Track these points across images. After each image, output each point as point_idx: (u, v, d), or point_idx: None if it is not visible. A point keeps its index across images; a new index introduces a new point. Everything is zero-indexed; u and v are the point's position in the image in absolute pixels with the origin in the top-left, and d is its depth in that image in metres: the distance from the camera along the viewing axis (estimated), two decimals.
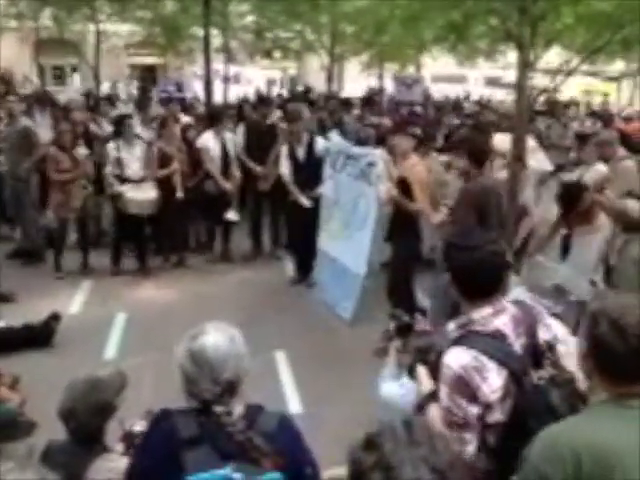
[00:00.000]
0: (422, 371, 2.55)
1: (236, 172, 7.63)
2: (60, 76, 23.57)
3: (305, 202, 6.76)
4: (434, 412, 2.29)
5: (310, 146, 6.88)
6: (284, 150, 6.98)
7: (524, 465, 1.65)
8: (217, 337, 1.96)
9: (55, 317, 5.52)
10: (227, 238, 7.85)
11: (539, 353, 2.22)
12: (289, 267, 7.34)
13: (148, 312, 6.19)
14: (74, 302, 6.46)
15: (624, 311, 1.66)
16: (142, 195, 6.99)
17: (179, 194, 7.37)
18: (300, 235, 6.97)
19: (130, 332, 5.78)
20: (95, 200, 7.58)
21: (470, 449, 2.16)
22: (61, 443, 2.64)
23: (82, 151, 7.08)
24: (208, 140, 7.47)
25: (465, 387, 2.10)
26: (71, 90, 15.27)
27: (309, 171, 6.78)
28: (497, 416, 2.15)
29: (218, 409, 1.89)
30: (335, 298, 6.28)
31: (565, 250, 6.61)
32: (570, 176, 6.25)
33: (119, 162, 7.01)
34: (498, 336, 2.17)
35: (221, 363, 1.92)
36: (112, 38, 16.08)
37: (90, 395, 2.58)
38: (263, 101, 8.55)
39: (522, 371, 2.14)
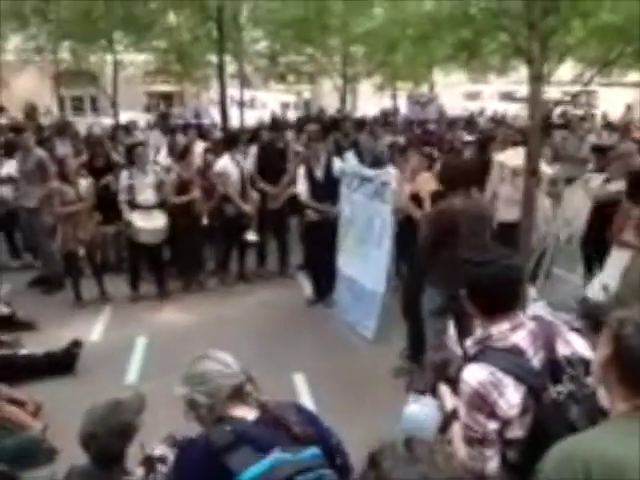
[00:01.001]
0: (444, 389, 2.54)
1: (253, 194, 7.73)
2: (79, 107, 24.04)
3: (325, 211, 6.83)
4: (455, 429, 2.28)
5: (328, 167, 6.94)
6: (301, 170, 7.05)
7: (538, 478, 1.64)
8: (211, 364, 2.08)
9: (76, 344, 5.57)
10: (244, 259, 7.95)
11: (558, 368, 2.20)
12: (306, 287, 7.36)
13: (168, 336, 6.22)
14: (95, 329, 6.52)
15: None
16: (151, 224, 7.09)
17: (205, 220, 7.52)
18: (317, 255, 7.00)
19: (151, 356, 5.82)
20: (105, 229, 7.63)
21: (492, 465, 2.14)
22: (82, 467, 2.66)
23: (84, 182, 7.11)
24: (226, 164, 7.58)
25: (483, 403, 2.09)
26: (91, 120, 15.55)
27: (327, 190, 6.82)
28: (516, 432, 2.13)
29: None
30: (356, 318, 6.27)
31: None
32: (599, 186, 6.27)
33: (131, 189, 7.12)
34: (516, 351, 2.16)
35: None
36: (129, 68, 16.40)
37: (110, 418, 2.60)
38: (276, 124, 8.69)
39: (541, 386, 2.12)
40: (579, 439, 1.67)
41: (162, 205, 7.19)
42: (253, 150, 8.11)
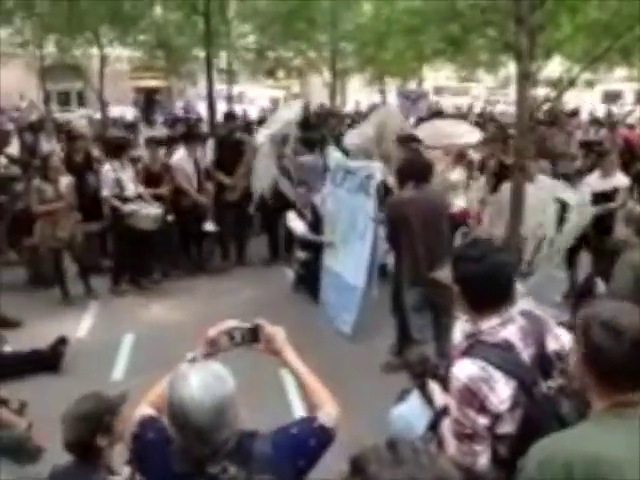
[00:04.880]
0: (433, 386, 2.53)
1: (208, 186, 7.97)
2: (66, 101, 23.84)
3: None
4: (445, 425, 2.27)
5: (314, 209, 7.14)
6: (292, 215, 7.38)
7: (520, 476, 1.65)
8: (201, 393, 1.72)
9: (62, 341, 5.52)
10: (202, 250, 8.20)
11: (548, 363, 2.20)
12: (289, 278, 7.51)
13: (155, 333, 6.18)
14: (81, 326, 6.46)
15: (616, 313, 1.64)
16: (153, 210, 7.16)
17: (169, 217, 7.68)
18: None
19: (137, 353, 5.78)
20: (89, 226, 7.52)
21: (482, 461, 2.14)
22: (66, 466, 2.63)
23: (65, 180, 6.99)
24: (182, 157, 7.82)
25: (473, 398, 2.09)
26: (76, 115, 15.42)
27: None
28: (507, 427, 2.13)
29: (213, 470, 1.76)
30: (336, 312, 6.25)
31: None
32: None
33: (119, 183, 7.09)
34: (506, 346, 2.16)
35: (208, 426, 1.72)
36: (115, 62, 16.27)
37: (79, 405, 2.64)
38: (231, 117, 8.88)
39: (531, 381, 2.12)
40: (560, 438, 1.67)
41: (140, 197, 7.26)
42: (210, 143, 8.34)
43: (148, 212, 7.11)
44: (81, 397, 2.69)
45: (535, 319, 2.30)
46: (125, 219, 7.09)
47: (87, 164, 7.87)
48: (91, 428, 2.57)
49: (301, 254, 7.19)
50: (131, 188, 7.20)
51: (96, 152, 8.49)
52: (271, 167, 7.94)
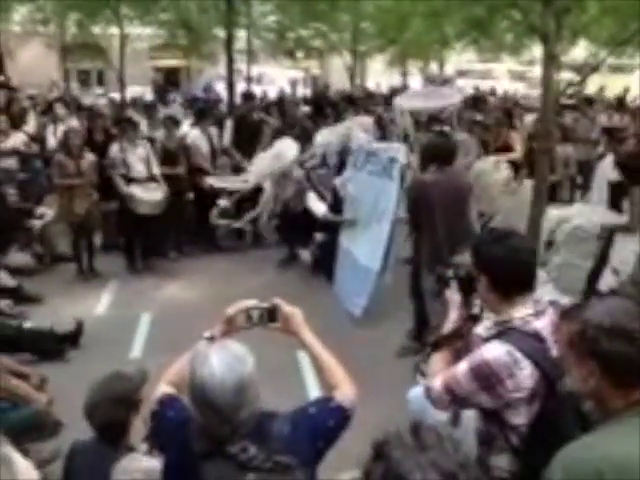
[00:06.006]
0: (454, 298, 2.42)
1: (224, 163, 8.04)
2: (86, 80, 23.89)
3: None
4: (440, 361, 2.30)
5: (335, 193, 7.00)
6: (312, 194, 7.14)
7: None
8: (222, 372, 1.73)
9: (79, 325, 5.53)
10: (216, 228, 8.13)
11: None
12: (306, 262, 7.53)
13: (172, 312, 6.23)
14: (100, 303, 6.53)
15: (617, 318, 1.59)
16: (150, 196, 7.12)
17: (190, 195, 7.80)
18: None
19: (155, 331, 5.84)
20: (107, 205, 7.56)
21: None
22: (86, 442, 2.67)
23: (90, 158, 7.04)
24: (196, 137, 7.89)
25: (485, 377, 2.07)
26: (93, 95, 15.44)
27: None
28: (521, 419, 2.10)
29: (233, 449, 1.75)
30: (348, 294, 6.21)
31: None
32: None
33: (124, 163, 7.11)
34: (537, 338, 2.12)
35: (229, 405, 1.73)
36: (136, 41, 16.23)
37: (112, 387, 2.63)
38: (249, 97, 8.85)
39: (557, 375, 2.08)
40: (584, 444, 1.62)
41: (152, 178, 7.24)
42: (229, 123, 8.31)
43: (148, 197, 7.08)
44: (108, 378, 2.68)
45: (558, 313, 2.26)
46: (126, 202, 7.14)
47: (107, 143, 7.90)
48: (127, 409, 2.59)
49: (320, 235, 7.15)
50: (139, 169, 7.17)
51: (115, 130, 8.50)
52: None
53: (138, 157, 7.20)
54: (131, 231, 7.43)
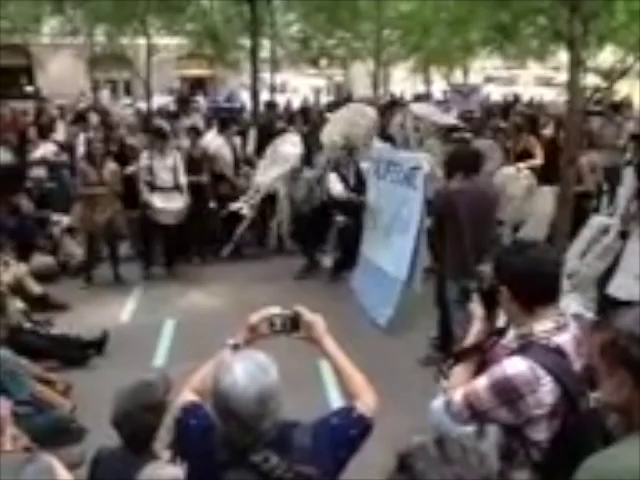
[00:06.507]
0: (477, 311, 2.36)
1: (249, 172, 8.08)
2: (113, 90, 24.28)
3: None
4: (461, 374, 2.24)
5: (358, 174, 7.00)
6: (332, 176, 7.11)
7: None
8: (246, 382, 1.73)
9: (105, 334, 5.59)
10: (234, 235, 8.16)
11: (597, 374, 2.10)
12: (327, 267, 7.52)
13: (196, 319, 6.26)
14: (125, 310, 6.60)
15: None
16: (171, 205, 7.18)
17: (212, 203, 7.86)
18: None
19: (178, 338, 5.87)
20: (130, 213, 7.57)
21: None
22: (111, 449, 2.68)
23: (112, 167, 7.13)
24: (220, 145, 7.99)
25: (505, 393, 2.02)
26: (119, 105, 15.64)
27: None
28: (542, 435, 2.05)
29: (255, 459, 1.74)
30: (373, 303, 6.18)
31: None
32: None
33: (150, 170, 7.18)
34: (560, 353, 2.06)
35: (252, 415, 1.73)
36: (162, 51, 16.46)
37: (142, 395, 2.62)
38: (271, 106, 8.95)
39: (579, 392, 2.03)
40: (610, 454, 1.59)
41: (177, 187, 7.28)
42: (252, 132, 8.47)
43: (169, 207, 7.15)
44: (137, 386, 2.66)
45: (586, 325, 2.21)
46: (145, 209, 7.22)
47: (123, 153, 7.93)
48: (158, 415, 2.59)
49: (340, 218, 7.05)
50: (165, 178, 7.23)
51: (133, 141, 8.48)
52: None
53: (165, 166, 7.26)
54: (149, 239, 7.52)
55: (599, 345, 1.64)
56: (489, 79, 21.93)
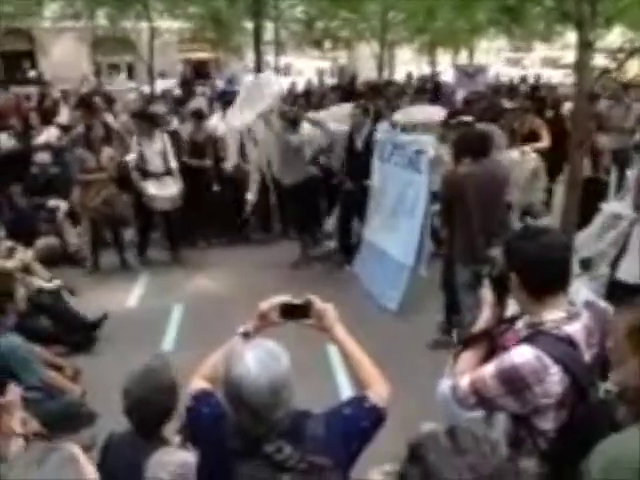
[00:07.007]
0: (487, 297, 2.32)
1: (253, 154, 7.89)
2: (116, 74, 24.17)
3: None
4: (468, 360, 2.22)
5: (369, 138, 6.80)
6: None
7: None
8: (258, 372, 1.72)
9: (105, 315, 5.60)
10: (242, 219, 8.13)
11: (608, 364, 2.05)
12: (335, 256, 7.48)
13: (203, 304, 6.28)
14: (132, 295, 6.61)
15: None
16: (164, 192, 7.12)
17: (215, 187, 7.86)
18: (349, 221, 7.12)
19: (186, 324, 5.88)
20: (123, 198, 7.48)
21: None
22: (122, 434, 2.68)
23: (109, 152, 7.09)
24: (226, 129, 7.84)
25: (512, 381, 2.00)
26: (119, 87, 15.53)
27: (366, 161, 6.71)
28: (549, 424, 2.04)
29: (269, 449, 1.74)
30: (381, 288, 6.18)
31: None
32: None
33: (142, 157, 7.12)
34: (569, 342, 2.03)
35: (264, 405, 1.72)
36: (165, 35, 16.34)
37: (154, 377, 2.59)
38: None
39: (588, 382, 2.01)
40: (627, 438, 1.59)
41: (168, 172, 7.20)
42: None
43: (162, 193, 7.09)
44: (148, 370, 2.63)
45: (599, 313, 2.17)
46: (141, 197, 7.18)
47: (107, 137, 7.77)
48: (175, 400, 2.57)
49: (349, 184, 6.90)
50: (156, 163, 7.15)
51: (115, 124, 8.44)
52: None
53: (154, 151, 7.16)
54: (144, 225, 7.52)
55: (626, 328, 1.63)
56: (508, 60, 21.73)
